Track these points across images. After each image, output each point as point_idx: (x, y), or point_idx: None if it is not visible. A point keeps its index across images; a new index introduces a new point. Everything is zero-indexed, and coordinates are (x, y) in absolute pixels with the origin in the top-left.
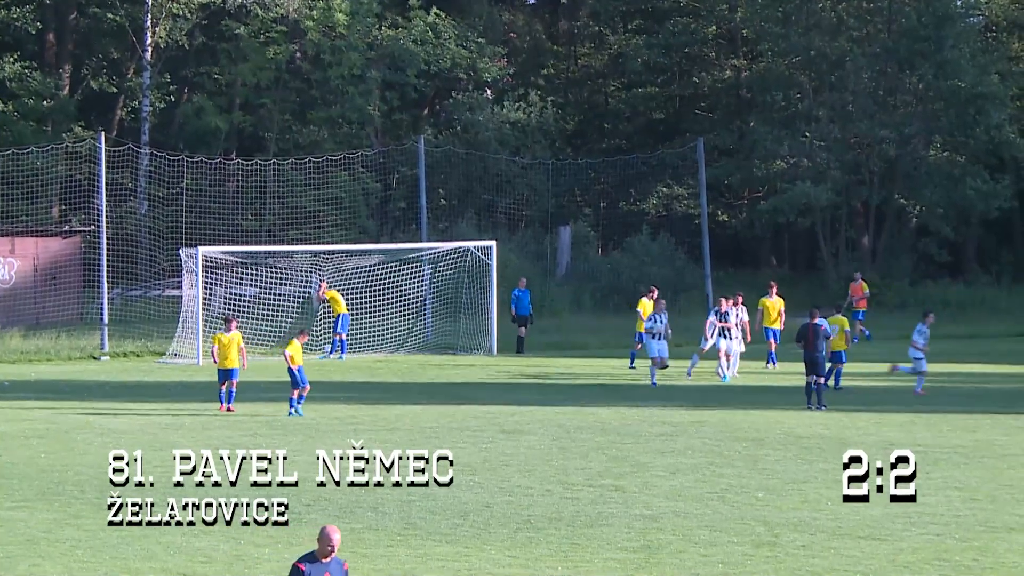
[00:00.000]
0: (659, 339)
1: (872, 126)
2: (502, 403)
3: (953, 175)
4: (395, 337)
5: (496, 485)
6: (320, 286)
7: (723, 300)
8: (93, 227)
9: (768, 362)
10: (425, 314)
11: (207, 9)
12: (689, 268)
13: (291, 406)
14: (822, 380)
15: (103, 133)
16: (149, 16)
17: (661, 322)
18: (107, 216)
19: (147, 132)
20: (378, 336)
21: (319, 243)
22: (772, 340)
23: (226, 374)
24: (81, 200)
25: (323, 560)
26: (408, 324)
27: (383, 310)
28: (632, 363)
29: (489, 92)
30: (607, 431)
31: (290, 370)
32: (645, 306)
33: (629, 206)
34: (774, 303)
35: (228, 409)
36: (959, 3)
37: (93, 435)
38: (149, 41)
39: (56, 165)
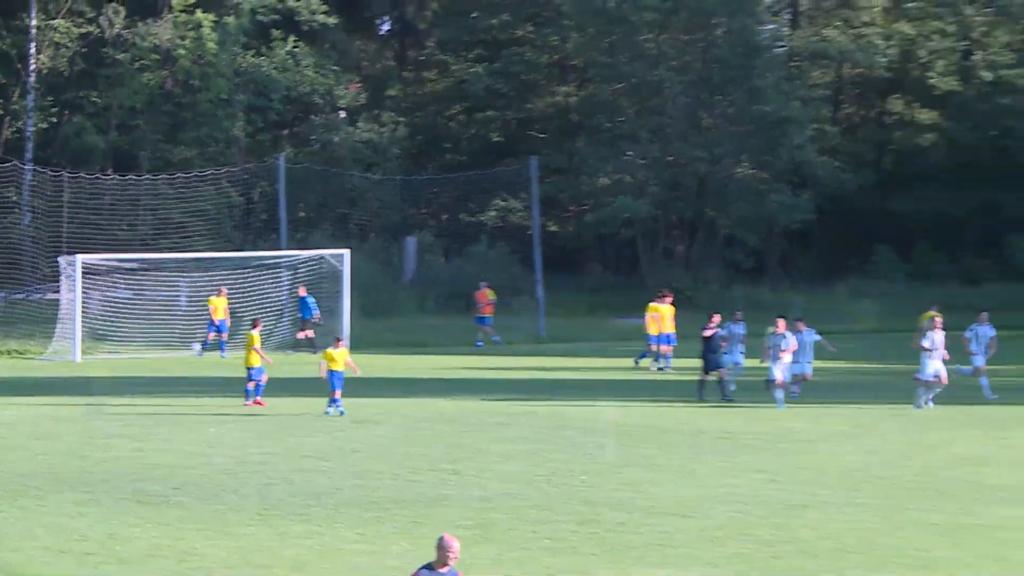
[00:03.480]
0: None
1: (687, 146)
2: (354, 396)
3: (759, 190)
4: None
5: (347, 470)
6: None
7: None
8: None
9: (650, 360)
10: (283, 316)
11: (87, 38)
12: (522, 274)
13: (331, 405)
14: (711, 376)
15: None
16: (33, 44)
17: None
18: None
19: (31, 150)
20: (241, 336)
21: (188, 251)
22: (666, 345)
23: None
24: None
25: (441, 570)
26: (269, 325)
27: (245, 312)
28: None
29: (344, 114)
30: (447, 421)
31: (330, 375)
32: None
33: (469, 218)
34: (668, 309)
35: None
36: (766, 35)
37: None
38: (33, 67)
39: None
